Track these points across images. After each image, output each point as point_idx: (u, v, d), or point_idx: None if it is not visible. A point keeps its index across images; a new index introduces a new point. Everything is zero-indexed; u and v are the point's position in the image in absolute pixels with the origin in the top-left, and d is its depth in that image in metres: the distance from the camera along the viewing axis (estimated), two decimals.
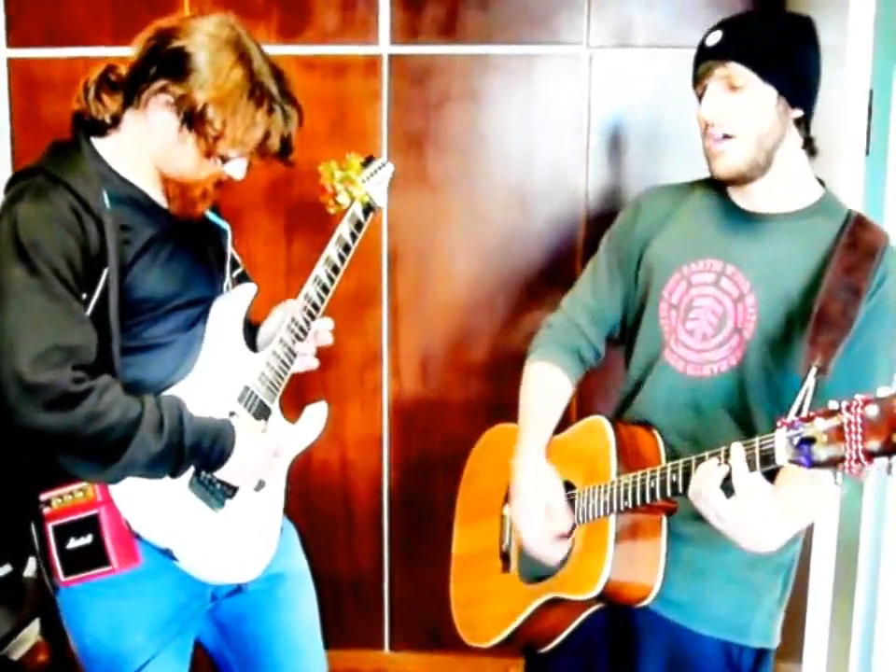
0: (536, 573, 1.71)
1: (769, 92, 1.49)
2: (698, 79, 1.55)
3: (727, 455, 1.33)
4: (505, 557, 1.82)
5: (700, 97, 1.55)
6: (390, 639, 2.95)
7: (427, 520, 2.81)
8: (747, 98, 1.49)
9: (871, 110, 2.04)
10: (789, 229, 1.56)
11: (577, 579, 1.59)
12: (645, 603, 1.54)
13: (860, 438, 1.15)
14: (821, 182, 1.60)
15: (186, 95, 1.45)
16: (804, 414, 1.24)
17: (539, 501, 1.65)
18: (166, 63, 1.46)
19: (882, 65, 2.00)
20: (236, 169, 1.56)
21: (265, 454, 1.61)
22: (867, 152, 2.05)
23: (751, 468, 1.30)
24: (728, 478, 1.32)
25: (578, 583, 1.58)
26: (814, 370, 1.35)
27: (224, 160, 1.53)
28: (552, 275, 2.68)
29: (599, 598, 1.55)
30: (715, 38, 1.51)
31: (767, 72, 1.48)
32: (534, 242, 2.69)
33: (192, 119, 1.47)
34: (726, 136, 1.51)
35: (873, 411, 1.14)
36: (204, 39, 1.47)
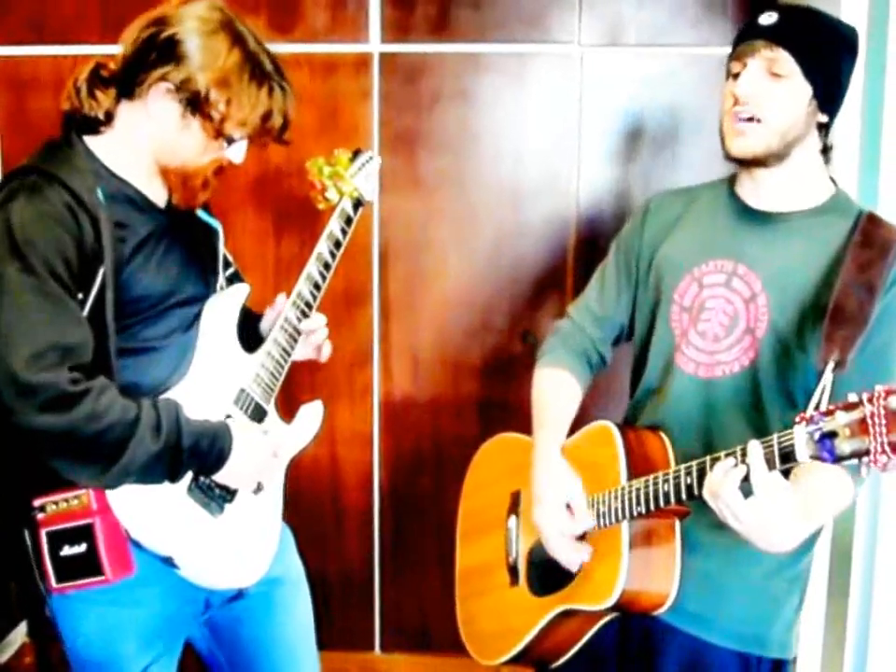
0: (546, 585, 1.68)
1: (806, 90, 1.48)
2: (738, 55, 1.52)
3: (744, 454, 1.28)
4: (513, 570, 1.78)
5: (733, 74, 1.52)
6: (381, 640, 2.93)
7: (417, 519, 2.80)
8: (784, 88, 1.47)
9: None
10: (800, 227, 1.54)
11: (591, 588, 1.56)
12: (661, 611, 1.51)
13: (884, 430, 1.12)
14: (833, 182, 1.59)
15: (187, 80, 1.45)
16: (822, 409, 1.21)
17: (560, 501, 1.61)
18: (163, 51, 1.45)
19: (875, 62, 2.00)
20: (237, 152, 1.56)
21: (264, 455, 1.60)
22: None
23: (770, 466, 1.26)
24: (745, 478, 1.27)
25: (592, 593, 1.55)
26: (831, 364, 1.31)
27: (229, 141, 1.52)
28: (543, 273, 2.67)
29: (614, 608, 1.51)
30: (770, 19, 1.48)
31: (812, 70, 1.47)
32: (526, 240, 2.68)
33: (197, 103, 1.46)
34: (751, 119, 1.49)
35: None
36: (197, 24, 1.46)
